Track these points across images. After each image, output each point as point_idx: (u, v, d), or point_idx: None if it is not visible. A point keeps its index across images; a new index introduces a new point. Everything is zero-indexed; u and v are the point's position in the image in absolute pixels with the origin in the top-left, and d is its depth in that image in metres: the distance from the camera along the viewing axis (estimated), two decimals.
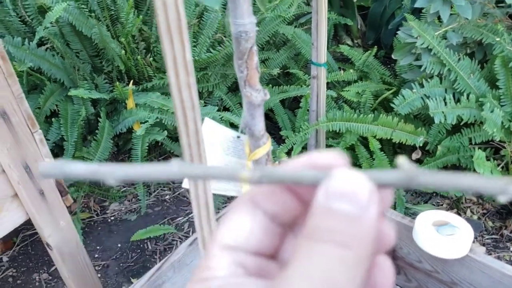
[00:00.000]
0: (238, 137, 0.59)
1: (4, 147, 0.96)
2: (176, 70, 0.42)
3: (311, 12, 2.19)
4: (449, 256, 0.90)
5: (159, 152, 2.02)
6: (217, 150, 0.59)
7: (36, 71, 1.62)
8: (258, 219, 0.23)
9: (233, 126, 1.75)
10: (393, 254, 1.03)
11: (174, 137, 1.86)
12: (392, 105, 1.50)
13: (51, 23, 1.55)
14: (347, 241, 0.19)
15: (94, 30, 1.63)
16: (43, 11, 1.66)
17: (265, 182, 0.22)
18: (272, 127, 2.08)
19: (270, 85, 1.92)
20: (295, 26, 2.02)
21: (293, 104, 2.07)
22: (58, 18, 1.57)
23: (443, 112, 1.37)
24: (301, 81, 2.01)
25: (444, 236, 0.91)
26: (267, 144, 0.54)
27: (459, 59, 1.46)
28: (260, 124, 0.53)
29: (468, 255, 0.89)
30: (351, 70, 1.98)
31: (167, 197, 1.92)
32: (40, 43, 1.66)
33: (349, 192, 0.20)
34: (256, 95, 0.50)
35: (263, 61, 2.01)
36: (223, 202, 1.77)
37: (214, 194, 0.52)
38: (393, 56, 1.58)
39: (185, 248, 0.97)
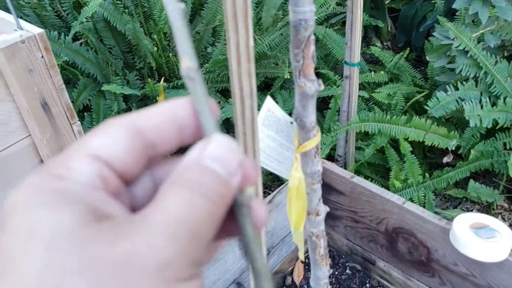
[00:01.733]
0: (291, 122, 0.59)
1: (44, 137, 0.97)
2: (239, 57, 0.42)
3: (342, 13, 2.18)
4: (488, 260, 0.89)
5: (185, 149, 2.03)
6: (271, 130, 0.58)
7: (70, 65, 1.65)
8: (136, 144, 0.22)
9: None
10: (428, 257, 1.02)
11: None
12: (425, 107, 1.48)
13: (86, 18, 1.57)
14: (213, 196, 0.21)
15: (128, 26, 1.64)
16: (78, 6, 1.69)
17: None
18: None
19: None
20: (326, 27, 2.01)
21: (321, 105, 2.06)
22: (93, 13, 1.59)
23: (478, 115, 1.35)
24: (331, 82, 2.00)
25: (483, 239, 0.89)
26: (317, 137, 0.54)
27: (496, 62, 1.43)
28: (312, 116, 0.52)
29: (508, 259, 0.88)
30: (382, 72, 1.96)
31: None
32: (75, 38, 1.68)
33: (223, 157, 0.22)
34: (310, 86, 0.50)
35: None
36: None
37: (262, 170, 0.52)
38: (427, 58, 1.56)
39: None
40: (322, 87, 0.50)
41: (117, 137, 0.22)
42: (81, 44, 1.68)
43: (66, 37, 1.57)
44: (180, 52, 0.23)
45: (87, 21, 1.65)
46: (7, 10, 0.98)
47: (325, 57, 2.12)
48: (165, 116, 0.23)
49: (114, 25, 1.64)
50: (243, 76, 0.43)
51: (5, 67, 0.87)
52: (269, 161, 0.60)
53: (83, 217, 0.19)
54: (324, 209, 0.61)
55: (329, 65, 2.14)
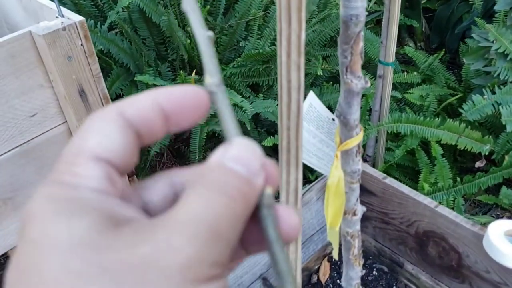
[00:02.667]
0: (333, 119, 0.58)
1: (80, 124, 0.98)
2: (289, 49, 0.41)
3: (377, 11, 2.16)
4: None
5: (214, 143, 2.03)
6: (312, 125, 0.58)
7: (104, 54, 1.66)
8: (131, 137, 0.22)
9: None
10: (459, 262, 1.00)
11: None
12: (460, 110, 1.45)
13: (122, 8, 1.58)
14: (235, 195, 0.20)
15: (162, 18, 1.65)
16: None
17: None
18: None
19: (331, 82, 1.90)
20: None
21: None
22: (129, 3, 1.60)
23: None
24: None
25: None
26: (360, 135, 0.53)
27: None
28: (356, 114, 0.51)
29: None
30: (415, 73, 1.93)
31: None
32: (110, 27, 1.70)
33: (244, 158, 0.22)
34: (357, 82, 0.49)
35: (324, 58, 1.99)
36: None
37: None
38: (464, 60, 1.53)
39: None
40: (369, 84, 0.49)
41: (112, 134, 0.21)
42: (116, 33, 1.70)
43: (102, 26, 1.59)
44: (205, 71, 0.24)
45: (123, 11, 1.67)
46: None
47: None
48: (150, 105, 0.23)
49: (149, 16, 1.65)
50: (292, 69, 0.42)
51: (45, 53, 0.88)
52: (309, 157, 0.59)
53: (100, 224, 0.19)
54: (361, 209, 0.60)
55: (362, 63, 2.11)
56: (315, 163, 0.61)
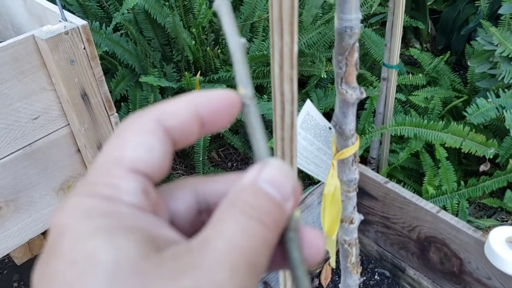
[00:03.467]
0: (330, 128, 0.58)
1: (82, 127, 0.99)
2: (282, 62, 0.41)
3: (382, 13, 2.15)
4: None
5: (219, 143, 2.04)
6: (309, 134, 0.58)
7: (109, 55, 1.67)
8: (169, 147, 0.22)
9: None
10: (461, 268, 0.99)
11: (234, 130, 1.87)
12: (464, 113, 1.45)
13: (127, 9, 1.59)
14: (268, 222, 0.20)
15: (167, 19, 1.65)
16: None
17: None
18: None
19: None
20: (365, 26, 1.99)
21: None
22: (135, 5, 1.61)
23: None
24: (367, 82, 1.97)
25: None
26: (356, 144, 0.53)
27: None
28: (351, 124, 0.52)
29: None
30: (420, 75, 1.92)
31: None
32: (115, 29, 1.70)
33: (279, 181, 0.21)
34: (352, 93, 0.49)
35: (329, 60, 1.98)
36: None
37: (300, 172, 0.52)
38: (469, 63, 1.52)
39: None
40: (364, 95, 0.49)
41: (151, 146, 0.21)
42: (121, 35, 1.70)
43: (108, 27, 1.60)
44: (237, 81, 0.24)
45: (128, 13, 1.67)
46: (52, 0, 1.00)
47: (362, 57, 2.09)
48: (189, 112, 0.22)
49: (154, 17, 1.66)
50: (284, 81, 0.42)
51: (48, 57, 0.89)
52: (306, 164, 0.60)
53: (142, 247, 0.18)
54: (358, 218, 0.60)
55: (366, 65, 2.11)
56: (313, 170, 0.61)
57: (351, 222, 0.60)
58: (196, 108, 0.22)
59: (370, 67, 2.12)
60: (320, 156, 0.59)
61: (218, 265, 0.18)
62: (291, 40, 0.40)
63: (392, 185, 1.06)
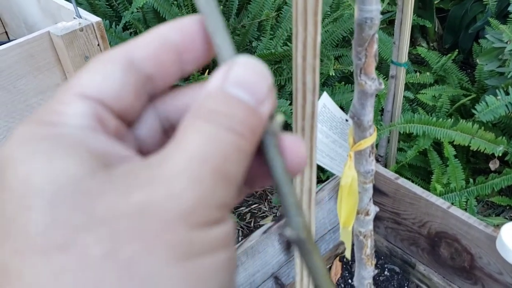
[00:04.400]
0: (347, 120, 0.59)
1: None
2: (305, 52, 0.42)
3: (390, 11, 2.15)
4: None
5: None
6: (325, 126, 0.59)
7: None
8: (132, 78, 0.20)
9: None
10: (472, 264, 1.00)
11: None
12: (473, 111, 1.45)
13: (136, 8, 1.60)
14: (240, 129, 0.18)
15: (177, 18, 1.66)
16: None
17: None
18: None
19: (343, 82, 1.90)
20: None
21: None
22: (144, 4, 1.62)
23: None
24: None
25: None
26: (373, 136, 0.54)
27: None
28: (369, 115, 0.52)
29: None
30: (428, 73, 1.93)
31: None
32: (125, 27, 1.71)
33: (250, 82, 0.19)
34: (371, 84, 0.50)
35: (336, 58, 1.99)
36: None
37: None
38: (478, 61, 1.52)
39: (259, 235, 0.98)
40: (383, 86, 0.50)
41: (108, 72, 0.19)
42: (130, 34, 1.71)
43: (117, 26, 1.61)
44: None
45: (137, 11, 1.69)
46: None
47: None
48: (159, 42, 0.20)
49: (163, 16, 1.67)
50: (307, 71, 0.43)
51: (63, 53, 0.90)
52: (321, 157, 0.60)
53: (87, 164, 0.16)
54: (374, 209, 0.61)
55: None
56: (328, 164, 0.61)
57: (367, 214, 0.61)
58: (166, 36, 0.20)
59: (378, 65, 2.12)
60: (335, 149, 0.60)
61: (177, 177, 0.16)
62: (314, 31, 0.41)
63: (403, 181, 1.06)
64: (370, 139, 0.53)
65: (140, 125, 0.21)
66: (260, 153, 0.20)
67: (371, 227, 0.63)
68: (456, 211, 0.98)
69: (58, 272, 0.14)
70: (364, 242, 0.63)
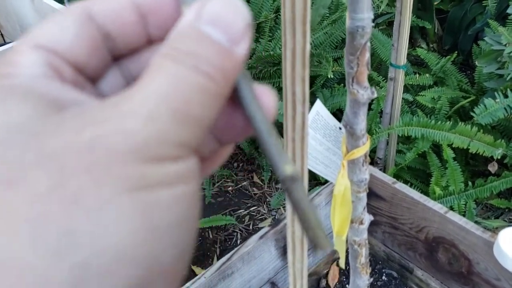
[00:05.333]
0: (340, 128, 0.58)
1: None
2: (293, 62, 0.41)
3: (389, 13, 2.14)
4: None
5: None
6: (318, 134, 0.58)
7: None
8: (88, 31, 0.19)
9: None
10: (469, 269, 0.99)
11: None
12: (472, 114, 1.44)
13: None
14: (213, 73, 0.17)
15: None
16: None
17: None
18: None
19: (342, 84, 1.89)
20: (372, 26, 1.98)
21: None
22: None
23: None
24: (374, 82, 1.97)
25: None
26: (366, 145, 0.53)
27: None
28: (362, 124, 0.51)
29: None
30: (427, 75, 1.92)
31: (230, 188, 1.94)
32: None
33: (225, 20, 0.17)
34: (363, 93, 0.49)
35: (335, 60, 1.98)
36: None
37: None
38: (476, 63, 1.52)
39: (255, 241, 0.97)
40: (375, 95, 0.49)
41: (63, 24, 0.19)
42: None
43: None
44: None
45: None
46: (60, 1, 1.01)
47: (370, 56, 2.09)
48: (121, 2, 0.19)
49: None
50: (296, 81, 0.42)
51: None
52: (315, 164, 0.59)
53: (40, 108, 0.16)
54: (368, 218, 0.60)
55: (373, 65, 2.10)
56: (322, 171, 0.61)
57: (361, 223, 0.60)
58: None
59: (377, 67, 2.11)
60: (329, 156, 0.59)
61: (132, 114, 0.16)
62: (303, 39, 0.40)
63: (400, 186, 1.05)
64: (363, 148, 0.52)
65: (104, 82, 0.21)
66: (233, 102, 0.19)
67: (365, 236, 0.62)
68: (454, 216, 0.97)
69: (5, 208, 0.14)
70: (359, 251, 0.62)
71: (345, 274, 1.25)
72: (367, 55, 0.47)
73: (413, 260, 1.13)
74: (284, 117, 0.46)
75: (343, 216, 0.56)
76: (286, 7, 0.39)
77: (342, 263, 0.66)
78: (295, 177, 0.18)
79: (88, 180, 0.14)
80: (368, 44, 0.46)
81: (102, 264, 0.14)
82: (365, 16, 0.44)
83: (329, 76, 1.65)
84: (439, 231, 1.00)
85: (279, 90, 1.86)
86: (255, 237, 0.97)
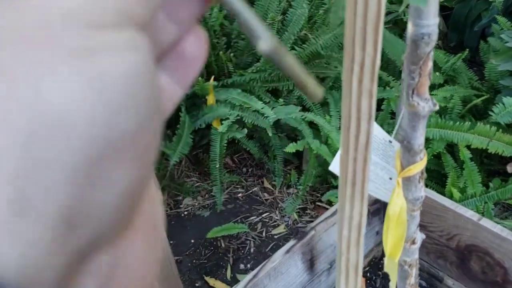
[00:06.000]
0: (390, 141, 0.54)
1: None
2: (361, 75, 0.37)
3: (396, 11, 2.11)
4: None
5: (234, 149, 1.99)
6: None
7: None
8: None
9: (317, 129, 1.70)
10: (505, 278, 0.95)
11: (250, 135, 1.82)
12: (490, 113, 1.41)
13: None
14: None
15: None
16: None
17: None
18: None
19: None
20: None
21: None
22: None
23: None
24: (383, 82, 1.93)
25: None
26: (424, 160, 0.49)
27: None
28: (421, 138, 0.47)
29: None
30: (437, 73, 1.88)
31: (240, 195, 1.90)
32: None
33: None
34: (424, 105, 0.45)
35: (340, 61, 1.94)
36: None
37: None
38: (493, 61, 1.48)
39: (281, 256, 0.93)
40: (437, 107, 0.45)
41: None
42: None
43: None
44: None
45: None
46: None
47: None
48: None
49: None
50: (363, 96, 0.38)
51: None
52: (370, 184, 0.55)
53: None
54: (420, 237, 0.56)
55: (381, 64, 2.06)
56: (376, 190, 0.57)
57: (413, 242, 0.56)
58: None
59: (385, 66, 2.08)
60: (375, 170, 0.55)
61: None
62: (374, 51, 0.36)
63: (429, 192, 1.01)
64: (420, 164, 0.48)
65: None
66: None
67: (417, 256, 0.58)
68: (487, 223, 0.93)
69: None
70: (409, 271, 0.58)
71: (372, 285, 1.21)
72: (430, 64, 0.42)
73: (443, 269, 1.09)
74: (343, 135, 0.42)
75: (397, 238, 0.52)
76: (358, 15, 0.35)
77: (393, 286, 0.62)
78: (273, 50, 0.19)
79: (22, 48, 0.13)
80: (432, 52, 0.42)
81: (48, 128, 0.13)
82: (432, 22, 0.40)
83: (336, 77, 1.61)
84: (472, 239, 0.96)
85: (288, 93, 1.82)
86: (281, 251, 0.93)
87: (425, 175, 0.51)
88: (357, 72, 0.37)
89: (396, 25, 2.13)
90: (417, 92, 0.44)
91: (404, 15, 2.05)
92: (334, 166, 0.62)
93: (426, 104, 0.44)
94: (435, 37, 0.41)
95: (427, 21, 0.40)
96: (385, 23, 2.08)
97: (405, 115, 0.46)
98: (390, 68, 2.07)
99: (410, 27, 0.41)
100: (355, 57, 0.36)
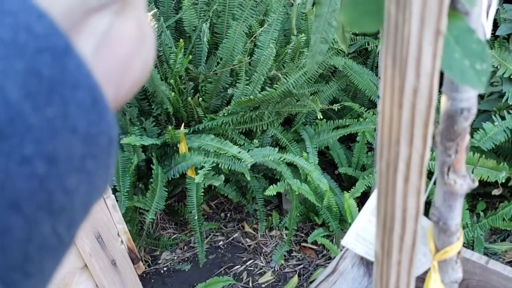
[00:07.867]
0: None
1: None
2: (408, 173, 0.31)
3: (357, 42, 2.09)
4: None
5: (210, 195, 1.91)
6: None
7: None
8: None
9: (294, 167, 1.64)
10: None
11: (226, 179, 1.75)
12: (472, 140, 1.38)
13: None
14: None
15: None
16: None
17: None
18: (325, 162, 1.97)
19: (324, 119, 1.81)
20: (342, 56, 1.92)
21: (343, 137, 1.93)
22: None
23: None
24: (355, 113, 1.90)
25: None
26: (460, 239, 0.43)
27: None
28: (458, 218, 0.41)
29: None
30: None
31: (221, 243, 1.81)
32: None
33: None
34: (462, 183, 0.39)
35: (312, 94, 1.90)
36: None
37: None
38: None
39: None
40: (476, 183, 0.39)
41: None
42: None
43: None
44: None
45: None
46: None
47: (346, 87, 2.03)
48: None
49: None
50: (410, 195, 0.32)
51: None
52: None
53: None
54: None
55: (349, 95, 2.04)
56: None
57: None
58: None
59: (353, 96, 2.05)
60: None
61: None
62: (423, 146, 0.30)
63: None
64: (457, 245, 0.42)
65: None
66: None
67: None
68: (496, 265, 0.88)
69: None
70: None
71: None
72: (467, 137, 0.37)
73: None
74: (385, 237, 0.36)
75: None
76: (404, 108, 0.29)
77: None
78: None
79: None
80: (469, 127, 0.36)
81: None
82: (472, 94, 0.34)
83: (318, 117, 1.57)
84: (481, 284, 0.91)
85: (262, 132, 1.76)
86: None
87: (461, 254, 0.46)
88: (402, 170, 0.31)
89: (360, 55, 2.12)
90: (453, 169, 0.39)
91: (368, 45, 2.04)
92: (348, 241, 0.55)
93: (464, 182, 0.39)
94: (475, 110, 0.35)
95: (467, 94, 0.35)
96: (349, 53, 2.06)
97: (439, 194, 0.41)
98: (358, 97, 2.05)
99: (444, 101, 0.36)
100: (400, 154, 0.30)
